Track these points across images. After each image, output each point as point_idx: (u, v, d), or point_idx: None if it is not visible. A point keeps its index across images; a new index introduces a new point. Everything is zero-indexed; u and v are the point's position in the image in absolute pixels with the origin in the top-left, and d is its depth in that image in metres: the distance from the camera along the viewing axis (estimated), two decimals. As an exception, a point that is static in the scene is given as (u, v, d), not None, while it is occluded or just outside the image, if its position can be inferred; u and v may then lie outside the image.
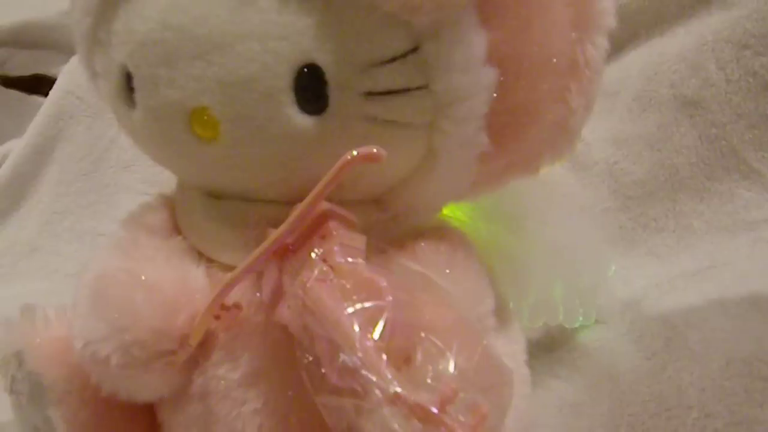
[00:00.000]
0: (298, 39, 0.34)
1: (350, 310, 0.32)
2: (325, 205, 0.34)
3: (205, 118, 0.36)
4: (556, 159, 0.45)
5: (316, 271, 0.33)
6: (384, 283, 0.33)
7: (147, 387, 0.40)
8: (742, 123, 0.59)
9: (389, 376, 0.31)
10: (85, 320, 0.39)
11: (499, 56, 0.37)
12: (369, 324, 0.32)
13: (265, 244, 0.34)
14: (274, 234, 0.34)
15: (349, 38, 0.34)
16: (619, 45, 0.69)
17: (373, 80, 0.35)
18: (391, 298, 0.33)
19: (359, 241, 0.36)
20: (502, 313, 0.47)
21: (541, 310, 0.55)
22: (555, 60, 0.39)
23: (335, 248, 0.34)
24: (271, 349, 0.38)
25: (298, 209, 0.34)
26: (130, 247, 0.42)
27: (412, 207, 0.41)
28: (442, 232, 0.42)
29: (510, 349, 0.48)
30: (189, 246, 0.41)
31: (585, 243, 0.57)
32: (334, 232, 0.34)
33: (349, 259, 0.34)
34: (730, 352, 0.48)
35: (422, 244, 0.40)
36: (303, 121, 0.35)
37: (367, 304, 0.33)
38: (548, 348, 0.56)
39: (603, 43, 0.40)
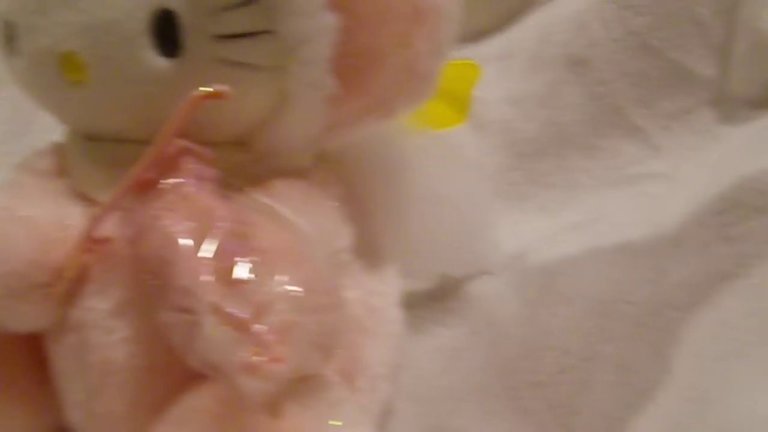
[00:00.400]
0: None
1: (187, 236, 0.34)
2: (181, 143, 0.36)
3: (73, 62, 0.39)
4: (412, 103, 0.47)
5: (162, 201, 0.35)
6: (222, 211, 0.35)
7: (25, 318, 0.42)
8: (626, 81, 0.61)
9: (214, 292, 0.34)
10: None
11: (341, 2, 0.40)
12: (203, 246, 0.35)
13: (124, 181, 0.37)
14: (131, 171, 0.36)
15: None
16: (512, 12, 0.71)
17: (223, 24, 0.38)
18: (226, 224, 0.36)
19: (212, 174, 0.38)
20: (374, 255, 0.52)
21: (428, 259, 0.56)
22: (395, 5, 0.41)
23: (185, 180, 0.36)
24: (139, 280, 0.40)
25: (153, 146, 0.36)
26: (15, 188, 0.45)
27: (271, 148, 0.44)
28: (303, 173, 0.45)
29: (380, 289, 0.51)
30: (72, 188, 0.44)
31: (470, 196, 0.60)
32: (188, 166, 0.37)
33: (196, 190, 0.36)
34: (594, 294, 0.50)
35: (278, 182, 0.43)
36: (160, 63, 0.38)
37: (204, 230, 0.35)
38: (438, 298, 0.58)
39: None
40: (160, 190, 0.36)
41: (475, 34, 0.74)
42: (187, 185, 0.36)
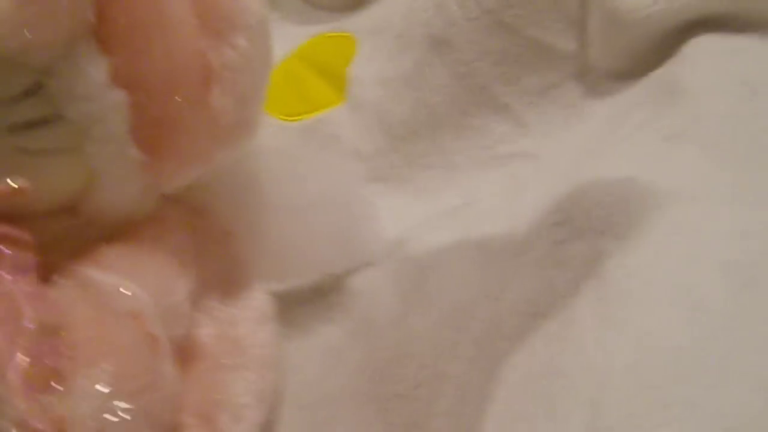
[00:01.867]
0: None
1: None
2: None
3: None
4: (232, 150, 0.47)
5: None
6: (32, 309, 0.37)
7: None
8: (488, 60, 0.60)
9: (20, 404, 0.35)
10: None
11: (125, 78, 0.40)
12: (15, 348, 0.36)
13: None
14: None
15: None
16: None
17: (11, 115, 0.39)
18: (35, 325, 0.37)
19: (29, 261, 0.39)
20: (235, 280, 0.54)
21: (303, 263, 0.57)
22: (182, 74, 0.41)
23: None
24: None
25: None
26: None
27: (99, 213, 0.45)
28: (134, 229, 0.46)
29: (241, 315, 0.52)
30: None
31: (337, 190, 0.60)
32: (4, 255, 0.38)
33: (9, 286, 0.37)
34: (455, 297, 0.51)
35: (106, 248, 0.44)
36: None
37: (14, 333, 0.37)
38: (322, 292, 0.58)
39: (242, 42, 0.42)
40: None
41: (347, 6, 0.72)
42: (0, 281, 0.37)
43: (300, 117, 0.70)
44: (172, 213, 0.50)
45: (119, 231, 0.46)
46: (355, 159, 0.64)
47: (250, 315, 0.53)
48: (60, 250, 0.44)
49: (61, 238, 0.44)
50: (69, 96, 0.39)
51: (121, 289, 0.42)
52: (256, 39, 0.43)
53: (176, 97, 0.42)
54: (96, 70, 0.39)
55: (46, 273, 0.42)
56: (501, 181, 0.59)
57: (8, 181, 0.39)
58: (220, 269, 0.54)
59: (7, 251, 0.38)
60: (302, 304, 0.59)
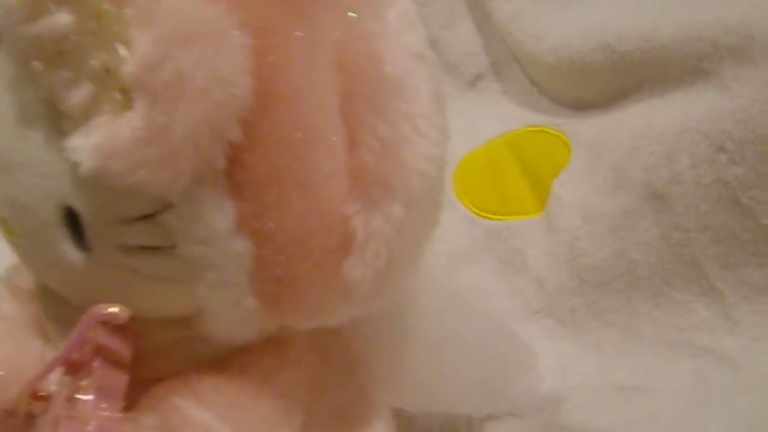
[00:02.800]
0: (59, 180, 0.34)
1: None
2: (97, 340, 0.36)
3: (6, 226, 0.38)
4: (366, 311, 0.41)
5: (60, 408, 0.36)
6: None
7: None
8: (708, 235, 0.51)
9: None
10: None
11: (253, 229, 0.35)
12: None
13: (52, 358, 0.37)
14: (57, 353, 0.37)
15: (99, 193, 0.34)
16: (621, 93, 0.61)
17: (124, 235, 0.35)
18: None
19: (117, 384, 0.37)
20: (357, 413, 0.49)
21: (444, 396, 0.52)
22: (317, 238, 0.35)
23: (89, 394, 0.36)
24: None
25: (69, 340, 0.36)
26: None
27: (211, 334, 0.40)
28: (248, 357, 0.42)
29: None
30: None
31: (497, 332, 0.54)
32: (96, 374, 0.36)
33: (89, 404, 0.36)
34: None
35: (208, 379, 0.40)
36: (75, 256, 0.36)
37: None
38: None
39: (398, 212, 0.36)
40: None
41: (576, 104, 0.64)
42: (90, 399, 0.36)
43: (494, 217, 0.63)
44: (301, 335, 0.45)
45: (232, 354, 0.42)
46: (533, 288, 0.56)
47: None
48: (164, 361, 0.41)
49: (168, 348, 0.41)
50: (185, 235, 0.34)
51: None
52: (416, 209, 0.37)
53: (305, 263, 0.36)
54: (219, 215, 0.34)
55: (138, 389, 0.39)
56: (685, 376, 0.50)
57: (109, 307, 0.36)
58: (341, 400, 0.49)
59: (97, 368, 0.36)
60: None
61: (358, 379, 0.50)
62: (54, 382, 0.38)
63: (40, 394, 0.39)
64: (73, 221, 0.35)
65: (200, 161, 0.33)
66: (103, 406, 0.36)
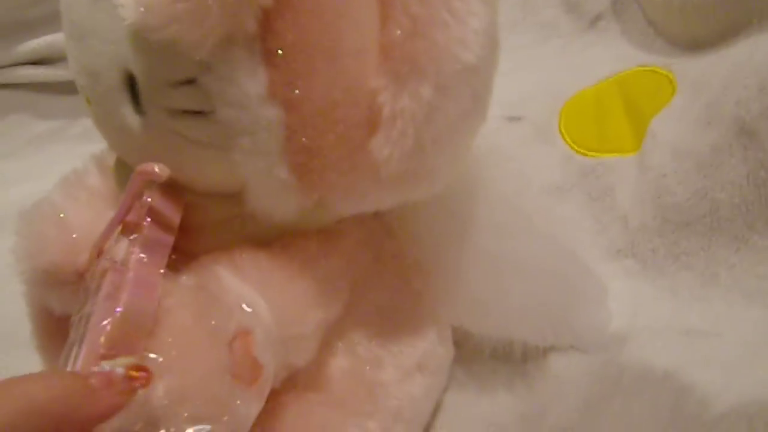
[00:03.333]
0: (121, 45, 0.36)
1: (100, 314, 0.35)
2: (151, 202, 0.38)
3: (84, 94, 0.41)
4: (407, 196, 0.42)
5: (107, 262, 0.38)
6: (124, 295, 0.36)
7: (57, 304, 0.46)
8: (797, 175, 0.47)
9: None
10: (16, 239, 0.46)
11: (283, 97, 0.36)
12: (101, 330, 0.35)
13: (111, 218, 0.39)
14: (113, 216, 0.39)
15: (147, 56, 0.36)
16: (731, 29, 0.57)
17: (170, 99, 0.36)
18: (120, 310, 0.36)
19: (163, 241, 0.38)
20: (405, 320, 0.49)
21: (503, 319, 0.51)
22: (341, 110, 0.36)
23: (135, 249, 0.37)
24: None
25: (123, 198, 0.38)
26: (74, 181, 0.48)
27: (259, 213, 0.41)
28: (294, 241, 0.43)
29: (390, 361, 0.48)
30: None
31: (569, 257, 0.53)
32: (144, 233, 0.38)
33: (134, 259, 0.37)
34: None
35: (250, 254, 0.41)
36: (133, 120, 0.38)
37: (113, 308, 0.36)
38: (510, 358, 0.52)
39: (427, 92, 0.36)
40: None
41: (689, 43, 0.61)
42: (136, 251, 0.37)
43: (589, 153, 0.61)
44: (354, 230, 0.46)
45: (281, 236, 0.42)
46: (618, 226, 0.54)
47: (403, 362, 0.48)
48: (215, 237, 0.42)
49: (220, 224, 0.42)
50: (221, 98, 0.35)
51: (243, 305, 0.39)
52: (449, 95, 0.37)
53: (330, 134, 0.36)
54: (252, 80, 0.35)
55: (185, 256, 0.41)
56: (752, 324, 0.47)
57: (153, 165, 0.37)
58: (390, 302, 0.49)
59: (147, 226, 0.38)
60: (481, 363, 0.53)
61: (413, 285, 0.50)
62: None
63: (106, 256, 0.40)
64: (131, 87, 0.37)
65: (230, 22, 0.34)
66: (146, 259, 0.37)
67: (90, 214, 0.45)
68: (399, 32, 0.36)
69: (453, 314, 0.51)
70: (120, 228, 0.39)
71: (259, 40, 0.35)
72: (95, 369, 0.32)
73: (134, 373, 0.33)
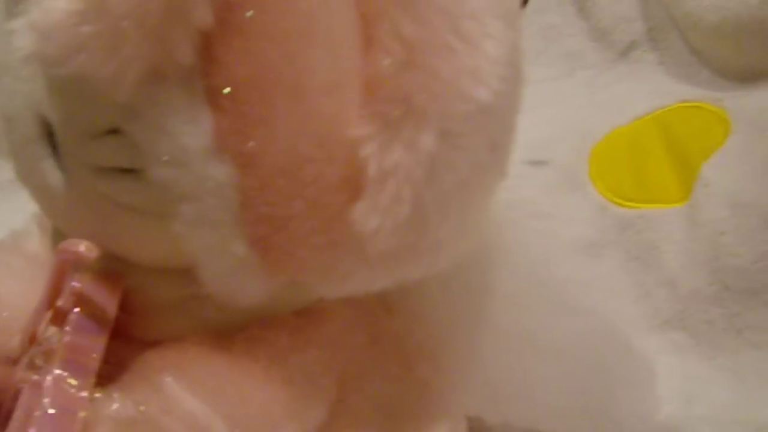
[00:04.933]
0: (33, 85, 0.30)
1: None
2: (80, 288, 0.32)
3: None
4: (403, 276, 0.32)
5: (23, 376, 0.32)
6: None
7: None
8: None
9: None
10: None
11: (235, 151, 0.27)
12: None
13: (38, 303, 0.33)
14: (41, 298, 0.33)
15: (60, 98, 0.29)
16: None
17: (95, 153, 0.29)
18: None
19: (95, 346, 0.32)
20: (413, 415, 0.40)
21: (530, 409, 0.42)
22: (312, 168, 0.26)
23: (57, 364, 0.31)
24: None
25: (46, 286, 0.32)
26: (10, 246, 0.41)
27: (217, 295, 0.32)
28: (255, 333, 0.34)
29: None
30: None
31: (607, 337, 0.44)
32: (71, 326, 0.32)
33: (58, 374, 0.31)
34: None
35: (197, 358, 0.33)
36: (55, 178, 0.31)
37: None
38: None
39: (428, 142, 0.27)
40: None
41: (741, 73, 0.51)
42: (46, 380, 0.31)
43: (628, 204, 0.52)
44: (341, 309, 0.37)
45: (247, 321, 0.34)
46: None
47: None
48: (167, 323, 0.34)
49: (171, 307, 0.34)
50: (152, 153, 0.28)
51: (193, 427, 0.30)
52: (457, 145, 0.28)
53: (297, 200, 0.28)
54: (192, 129, 0.27)
55: (136, 352, 0.33)
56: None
57: (78, 243, 0.30)
58: (391, 395, 0.40)
59: (75, 318, 0.31)
60: None
61: (417, 373, 0.41)
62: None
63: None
64: (50, 138, 0.31)
65: (156, 50, 0.26)
66: (67, 376, 0.31)
67: (25, 287, 0.38)
68: (388, 61, 0.27)
69: (469, 405, 0.43)
70: (51, 313, 0.32)
71: (200, 75, 0.27)
72: None
73: None
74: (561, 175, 0.59)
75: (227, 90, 0.27)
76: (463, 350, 0.41)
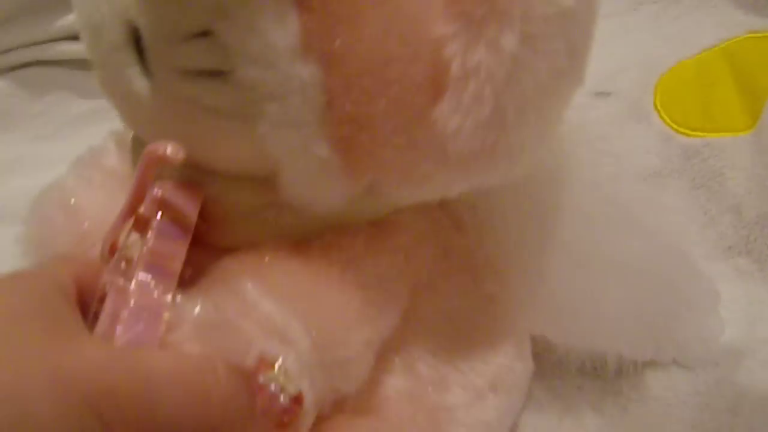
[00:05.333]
0: None
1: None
2: (162, 194, 0.32)
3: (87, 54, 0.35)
4: (485, 178, 0.32)
5: (109, 280, 0.32)
6: (119, 328, 0.29)
7: None
8: None
9: None
10: (23, 228, 0.42)
11: (320, 52, 0.28)
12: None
13: (120, 209, 0.33)
14: (122, 206, 0.33)
15: (158, 4, 0.29)
16: None
17: (183, 56, 0.29)
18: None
19: (178, 250, 0.32)
20: (477, 331, 0.41)
21: (594, 327, 0.42)
22: (396, 67, 0.27)
23: (141, 268, 0.31)
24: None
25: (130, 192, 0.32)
26: (89, 161, 0.43)
27: (295, 202, 0.33)
28: (337, 239, 0.34)
29: (465, 380, 0.39)
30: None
31: (673, 257, 0.43)
32: (152, 233, 0.32)
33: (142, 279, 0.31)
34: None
35: (275, 262, 0.33)
36: (141, 85, 0.32)
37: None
38: (602, 375, 0.44)
39: (511, 44, 0.27)
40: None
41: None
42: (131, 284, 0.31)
43: (693, 133, 0.51)
44: (414, 222, 0.37)
45: (324, 230, 0.34)
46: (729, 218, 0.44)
47: (473, 382, 0.39)
48: (245, 230, 0.34)
49: (250, 214, 0.34)
50: (242, 53, 0.28)
51: (269, 328, 0.30)
52: (539, 48, 0.28)
53: (381, 99, 0.27)
54: (280, 29, 0.27)
55: (210, 254, 0.33)
56: None
57: (164, 145, 0.30)
58: (459, 308, 0.40)
59: (157, 223, 0.32)
60: (566, 379, 0.45)
61: (485, 288, 0.41)
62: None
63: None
64: (137, 44, 0.31)
65: None
66: (151, 281, 0.31)
67: (104, 199, 0.40)
68: None
69: (533, 322, 0.43)
70: (132, 221, 0.32)
71: None
72: (262, 381, 0.28)
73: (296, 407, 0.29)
74: (626, 105, 0.58)
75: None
76: (530, 267, 0.41)
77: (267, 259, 0.33)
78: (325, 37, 0.27)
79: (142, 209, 0.32)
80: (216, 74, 0.29)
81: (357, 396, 0.35)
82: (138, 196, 0.32)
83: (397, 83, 0.28)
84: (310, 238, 0.34)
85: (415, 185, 0.32)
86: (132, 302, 0.30)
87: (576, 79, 0.31)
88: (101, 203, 0.40)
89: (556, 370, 0.45)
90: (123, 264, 0.32)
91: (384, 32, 0.27)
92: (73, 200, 0.40)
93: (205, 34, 0.28)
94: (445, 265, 0.40)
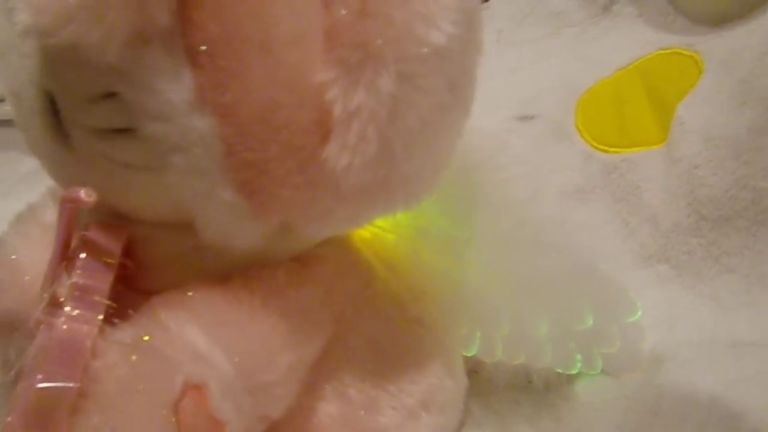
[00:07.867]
0: (35, 60, 0.31)
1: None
2: (87, 235, 0.34)
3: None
4: (380, 212, 0.35)
5: (40, 314, 0.34)
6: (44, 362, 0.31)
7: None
8: None
9: None
10: None
11: (214, 104, 0.30)
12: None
13: (51, 258, 0.35)
14: (52, 252, 0.35)
15: (58, 68, 0.31)
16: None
17: (92, 116, 0.31)
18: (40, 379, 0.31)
19: (102, 284, 0.34)
20: (404, 354, 0.42)
21: (519, 346, 0.44)
22: (284, 113, 0.29)
23: (68, 300, 0.33)
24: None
25: (57, 238, 0.34)
26: (28, 217, 0.44)
27: (214, 242, 0.34)
28: (253, 273, 0.36)
29: (396, 402, 0.41)
30: None
31: (584, 271, 0.44)
32: (78, 270, 0.34)
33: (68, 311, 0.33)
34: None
35: (197, 294, 0.35)
36: (59, 145, 0.33)
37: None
38: (535, 391, 0.46)
39: (387, 84, 0.29)
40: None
41: (714, 19, 0.53)
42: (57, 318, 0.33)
43: (612, 150, 0.54)
44: (335, 254, 0.39)
45: (246, 269, 0.36)
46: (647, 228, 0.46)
47: (404, 402, 0.40)
48: (171, 274, 0.36)
49: (175, 259, 0.36)
50: (143, 111, 0.30)
51: (193, 355, 0.32)
52: (414, 81, 0.30)
53: (273, 144, 0.30)
54: (175, 85, 0.29)
55: (140, 298, 0.35)
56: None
57: (78, 190, 0.32)
58: (384, 335, 0.42)
59: (81, 261, 0.34)
60: (503, 394, 0.46)
61: (410, 312, 0.42)
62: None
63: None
64: (53, 108, 0.32)
65: (137, 15, 0.28)
66: (77, 313, 0.33)
67: (43, 253, 0.39)
68: (344, 12, 0.29)
69: (461, 343, 0.44)
70: (65, 264, 0.34)
71: (179, 36, 0.29)
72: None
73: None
74: (549, 127, 0.60)
75: (203, 48, 0.29)
76: (451, 290, 0.43)
77: (190, 293, 0.34)
78: (217, 90, 0.29)
79: (70, 252, 0.34)
80: (124, 131, 0.31)
81: (291, 424, 0.37)
82: (66, 241, 0.33)
83: (285, 128, 0.30)
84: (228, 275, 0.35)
85: (320, 221, 0.34)
86: (56, 334, 0.31)
87: (462, 111, 0.34)
88: (40, 257, 0.40)
89: (492, 386, 0.46)
90: (52, 300, 0.33)
91: (270, 82, 0.29)
92: (14, 256, 0.41)
93: (110, 95, 0.30)
94: (369, 292, 0.42)
